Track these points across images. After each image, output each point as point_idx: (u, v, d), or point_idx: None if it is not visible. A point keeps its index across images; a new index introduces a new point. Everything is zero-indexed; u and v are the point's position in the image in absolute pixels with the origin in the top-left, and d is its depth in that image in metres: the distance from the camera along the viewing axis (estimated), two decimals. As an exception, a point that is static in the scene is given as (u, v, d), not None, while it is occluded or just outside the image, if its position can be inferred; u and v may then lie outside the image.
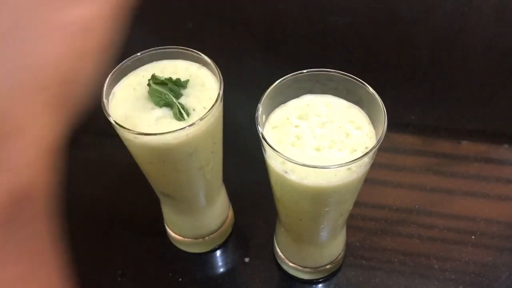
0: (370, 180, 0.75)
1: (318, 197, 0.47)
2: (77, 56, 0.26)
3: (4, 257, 0.20)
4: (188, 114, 0.50)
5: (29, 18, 0.25)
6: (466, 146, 0.79)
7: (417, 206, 0.72)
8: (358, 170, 0.45)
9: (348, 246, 0.67)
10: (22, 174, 0.22)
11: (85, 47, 0.27)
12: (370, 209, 0.72)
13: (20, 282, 0.20)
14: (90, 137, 0.87)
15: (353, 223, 0.70)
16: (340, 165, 0.43)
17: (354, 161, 0.43)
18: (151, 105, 0.51)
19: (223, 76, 0.52)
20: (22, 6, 0.25)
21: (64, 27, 0.26)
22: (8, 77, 0.23)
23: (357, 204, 0.57)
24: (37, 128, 0.24)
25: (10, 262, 0.20)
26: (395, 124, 0.83)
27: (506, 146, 0.79)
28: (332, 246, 0.62)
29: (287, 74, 0.50)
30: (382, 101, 0.47)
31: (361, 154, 0.44)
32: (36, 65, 0.24)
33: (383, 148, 0.79)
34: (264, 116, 0.49)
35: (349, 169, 0.45)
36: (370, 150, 0.44)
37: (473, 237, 0.68)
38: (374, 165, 0.76)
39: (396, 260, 0.66)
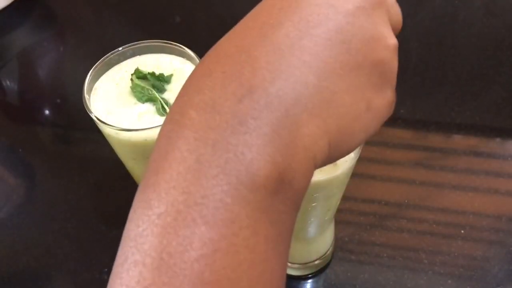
0: (359, 174, 0.74)
1: (304, 193, 0.47)
2: None
3: (267, 215, 0.23)
4: (171, 109, 0.49)
5: None
6: (456, 140, 0.79)
7: (406, 201, 0.71)
8: (343, 165, 0.44)
9: (337, 241, 0.67)
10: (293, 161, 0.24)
11: None
12: (359, 203, 0.72)
13: (274, 241, 0.24)
14: (75, 133, 0.85)
15: (342, 218, 0.69)
16: (325, 160, 0.42)
17: (339, 156, 0.42)
18: (133, 100, 0.50)
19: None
20: None
21: None
22: None
23: (346, 198, 0.56)
24: None
25: (268, 222, 0.24)
26: (384, 118, 0.83)
27: (498, 139, 0.79)
28: (320, 242, 0.61)
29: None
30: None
31: (346, 149, 0.43)
32: None
33: (372, 142, 0.79)
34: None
35: (335, 164, 0.44)
36: (356, 145, 0.43)
37: (462, 231, 0.68)
38: (363, 159, 0.76)
39: (385, 255, 0.66)
